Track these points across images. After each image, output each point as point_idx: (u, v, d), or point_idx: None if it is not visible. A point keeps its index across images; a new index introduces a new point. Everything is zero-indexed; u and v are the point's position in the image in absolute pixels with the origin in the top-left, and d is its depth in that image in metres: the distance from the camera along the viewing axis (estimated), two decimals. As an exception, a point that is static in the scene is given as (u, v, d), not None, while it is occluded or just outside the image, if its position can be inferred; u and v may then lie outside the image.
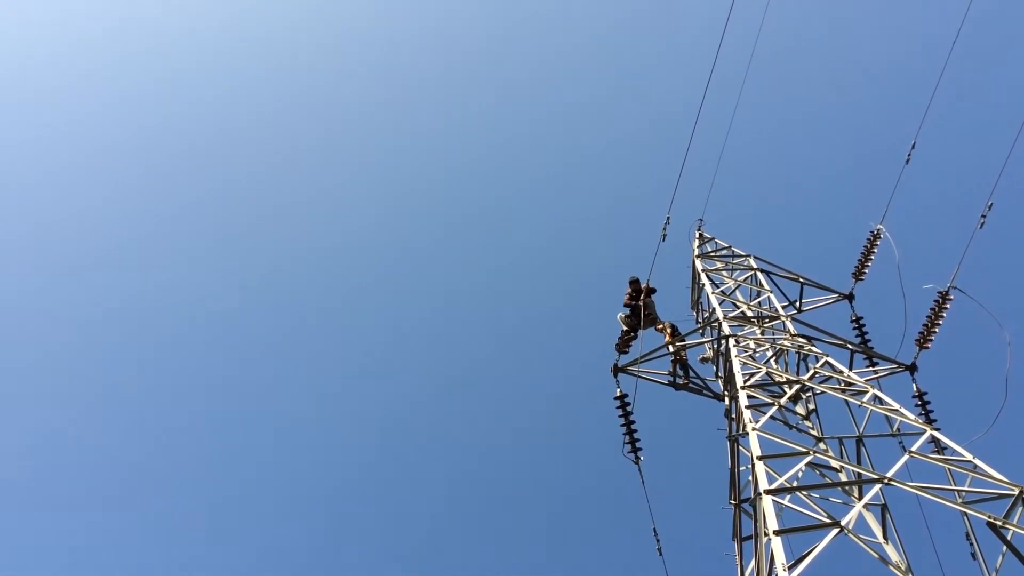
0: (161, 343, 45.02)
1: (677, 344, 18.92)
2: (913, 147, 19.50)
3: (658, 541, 19.30)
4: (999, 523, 10.70)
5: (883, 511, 14.78)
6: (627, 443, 18.89)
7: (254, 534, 42.57)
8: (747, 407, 14.11)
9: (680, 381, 18.85)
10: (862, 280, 20.81)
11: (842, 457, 15.85)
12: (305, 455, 44.22)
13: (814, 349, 17.02)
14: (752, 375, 15.62)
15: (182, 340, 45.38)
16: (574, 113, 49.76)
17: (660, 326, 19.77)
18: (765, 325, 18.54)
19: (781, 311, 19.00)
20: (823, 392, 15.57)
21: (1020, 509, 10.95)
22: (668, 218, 21.35)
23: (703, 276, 20.89)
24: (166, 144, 47.28)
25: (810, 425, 16.65)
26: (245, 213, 48.19)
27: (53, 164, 45.78)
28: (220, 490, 42.86)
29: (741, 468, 14.63)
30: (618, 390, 19.04)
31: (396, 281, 48.81)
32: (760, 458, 12.13)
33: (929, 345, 18.08)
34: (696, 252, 22.33)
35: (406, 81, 49.34)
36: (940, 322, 17.93)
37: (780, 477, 11.84)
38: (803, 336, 17.71)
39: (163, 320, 45.42)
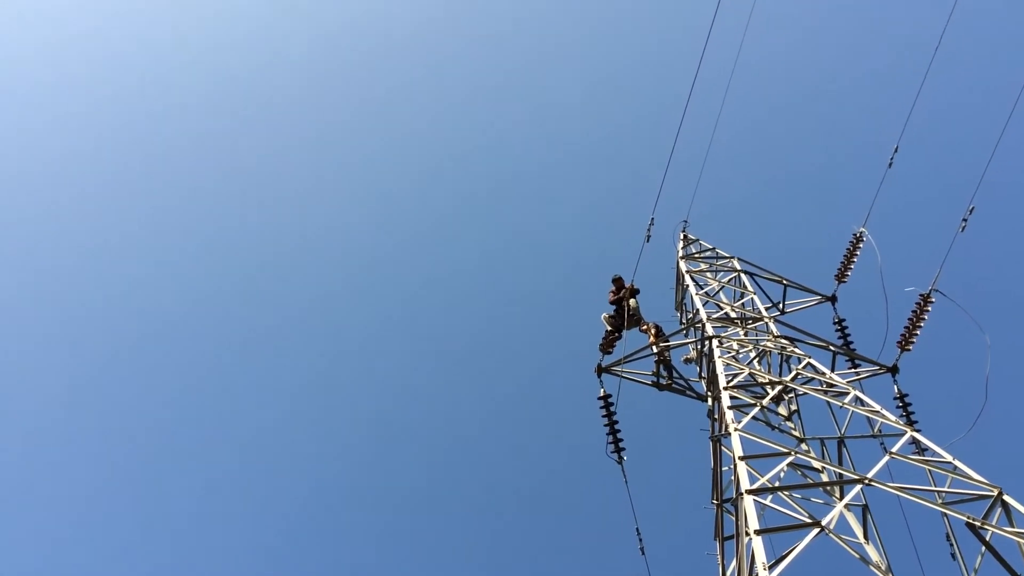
0: (133, 340, 44.77)
1: (661, 345, 18.97)
2: (896, 151, 19.63)
3: (640, 540, 19.37)
4: (978, 524, 10.79)
5: (864, 511, 14.86)
6: (610, 443, 18.92)
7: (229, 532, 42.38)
8: (730, 408, 14.16)
9: (664, 381, 18.90)
10: (845, 282, 20.93)
11: (823, 458, 15.92)
12: (282, 451, 44.08)
13: (796, 350, 17.10)
14: (735, 376, 15.66)
15: (159, 336, 45.13)
16: (560, 113, 49.88)
17: (644, 327, 19.81)
18: (748, 326, 18.62)
19: (764, 312, 19.08)
20: (805, 393, 15.65)
21: (999, 510, 11.05)
22: (652, 219, 21.42)
23: (687, 277, 20.95)
24: (146, 140, 47.08)
25: (792, 426, 16.73)
26: (222, 209, 48.05)
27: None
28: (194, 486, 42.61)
29: (723, 468, 14.68)
30: (602, 390, 19.07)
31: (379, 280, 48.76)
32: (742, 458, 12.18)
33: (911, 347, 18.21)
34: (680, 253, 22.40)
35: (391, 77, 49.32)
36: (922, 324, 18.06)
37: (762, 477, 11.89)
38: (786, 337, 17.80)
39: (135, 316, 45.19)
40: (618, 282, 20.53)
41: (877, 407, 14.24)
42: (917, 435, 13.30)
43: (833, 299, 20.93)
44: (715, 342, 17.10)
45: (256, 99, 48.98)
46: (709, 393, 17.25)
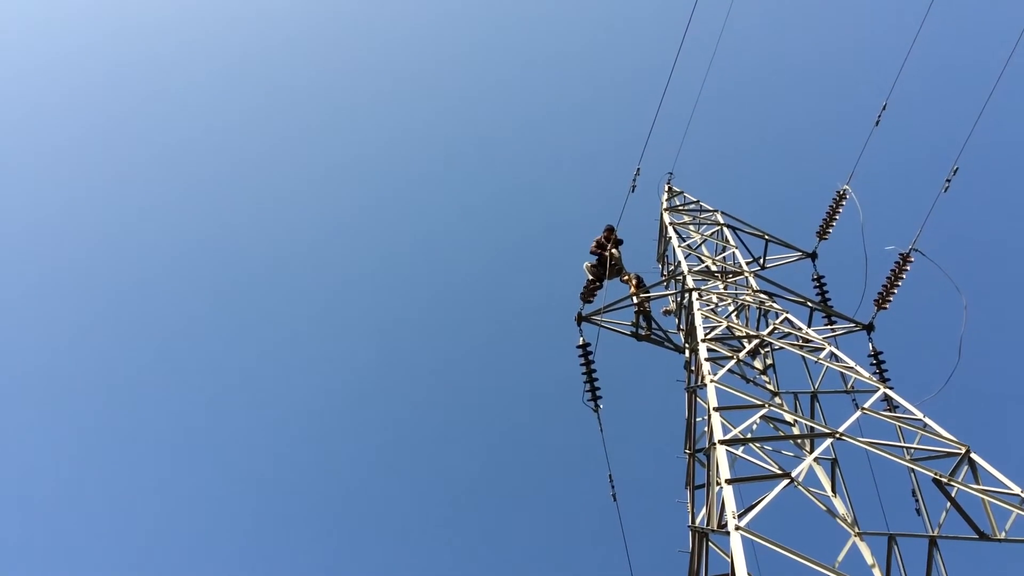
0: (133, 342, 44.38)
1: (641, 295, 19.04)
2: (884, 109, 19.57)
3: (613, 487, 19.65)
4: (945, 480, 10.98)
5: (833, 465, 15.08)
6: (587, 391, 19.08)
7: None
8: (706, 360, 14.27)
9: (642, 332, 18.98)
10: (826, 239, 21.01)
11: (796, 411, 16.11)
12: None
13: (775, 305, 17.21)
14: (713, 329, 15.77)
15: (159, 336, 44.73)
16: (548, 62, 49.30)
17: (625, 277, 19.86)
18: (728, 280, 18.70)
19: (745, 267, 19.15)
20: (781, 348, 15.78)
21: (966, 468, 11.25)
22: (638, 169, 21.42)
23: (670, 229, 20.95)
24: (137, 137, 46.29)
25: (767, 379, 16.88)
26: (214, 209, 47.53)
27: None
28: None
29: (698, 419, 14.83)
30: (581, 338, 19.17)
31: (360, 226, 48.50)
32: (716, 409, 12.30)
33: (887, 306, 18.35)
34: (664, 205, 22.36)
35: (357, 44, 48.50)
36: (899, 283, 18.18)
37: (735, 429, 12.04)
38: (765, 292, 17.89)
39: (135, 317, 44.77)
40: (610, 230, 20.49)
41: (851, 363, 14.39)
42: (889, 392, 13.47)
43: (813, 256, 21.01)
44: (695, 295, 17.17)
45: (255, 96, 48.31)
46: (687, 345, 17.36)
